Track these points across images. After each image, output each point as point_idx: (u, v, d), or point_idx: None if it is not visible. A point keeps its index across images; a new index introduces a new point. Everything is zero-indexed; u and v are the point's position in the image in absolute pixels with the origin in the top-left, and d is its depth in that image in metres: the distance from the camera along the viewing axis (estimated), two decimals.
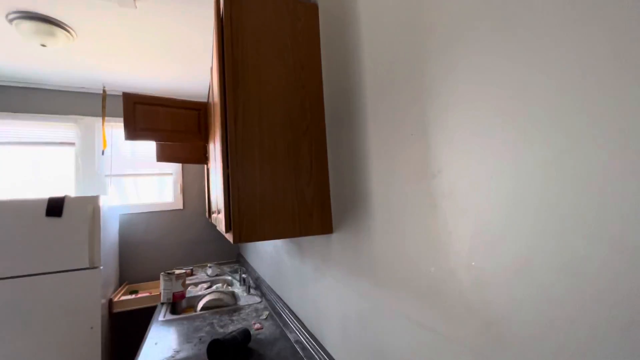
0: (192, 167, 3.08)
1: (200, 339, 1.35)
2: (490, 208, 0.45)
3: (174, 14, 1.71)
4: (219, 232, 3.10)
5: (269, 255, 1.83)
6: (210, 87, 1.34)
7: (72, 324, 1.95)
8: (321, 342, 1.06)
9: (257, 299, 1.82)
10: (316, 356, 1.05)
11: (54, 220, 1.95)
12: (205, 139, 1.70)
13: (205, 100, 3.07)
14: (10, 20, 1.68)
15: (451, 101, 0.51)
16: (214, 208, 1.46)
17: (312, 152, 0.94)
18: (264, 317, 1.54)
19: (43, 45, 1.82)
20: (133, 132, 1.51)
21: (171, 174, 3.01)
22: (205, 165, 2.59)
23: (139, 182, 2.93)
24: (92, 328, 1.99)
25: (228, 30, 0.88)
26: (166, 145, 2.15)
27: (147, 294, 2.40)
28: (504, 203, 0.43)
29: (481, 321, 0.47)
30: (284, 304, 1.49)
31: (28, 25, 1.69)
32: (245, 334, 1.23)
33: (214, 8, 0.96)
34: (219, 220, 1.06)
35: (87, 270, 2.00)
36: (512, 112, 0.41)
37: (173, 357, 1.20)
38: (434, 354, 0.56)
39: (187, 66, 2.37)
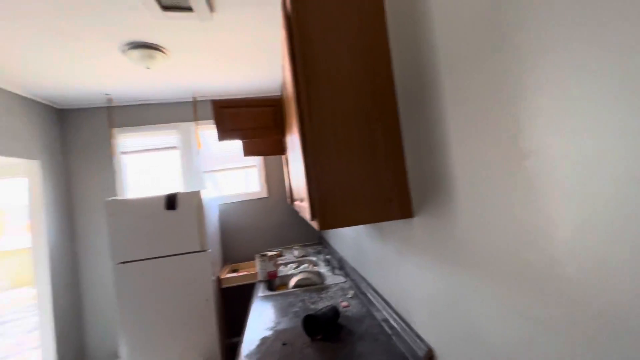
0: (273, 159, 3.33)
1: (294, 314, 1.51)
2: (599, 190, 0.40)
3: (248, 19, 1.84)
4: (300, 217, 3.32)
5: (350, 237, 1.90)
6: (284, 83, 1.43)
7: (191, 297, 2.37)
8: (408, 321, 1.08)
9: (342, 279, 1.93)
10: (404, 334, 1.08)
11: (171, 212, 2.36)
12: (281, 132, 1.82)
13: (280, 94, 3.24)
14: (123, 52, 2.03)
15: (545, 70, 0.46)
16: (296, 196, 1.58)
17: (387, 137, 0.94)
18: (350, 296, 1.63)
19: (147, 68, 2.16)
20: (223, 133, 1.71)
21: (255, 166, 3.31)
22: (284, 156, 2.77)
23: (230, 175, 3.31)
24: (207, 300, 2.39)
25: (295, 25, 0.92)
26: (250, 141, 2.37)
27: (246, 272, 2.75)
28: (615, 185, 0.38)
29: (590, 311, 0.43)
30: (368, 284, 1.54)
31: (135, 53, 2.02)
32: (335, 311, 1.33)
33: (281, 5, 1.01)
34: (303, 208, 1.15)
35: (198, 253, 2.39)
36: (626, 79, 0.36)
37: (274, 327, 1.38)
38: (533, 341, 0.54)
39: (266, 64, 2.54)
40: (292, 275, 2.23)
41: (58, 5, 1.54)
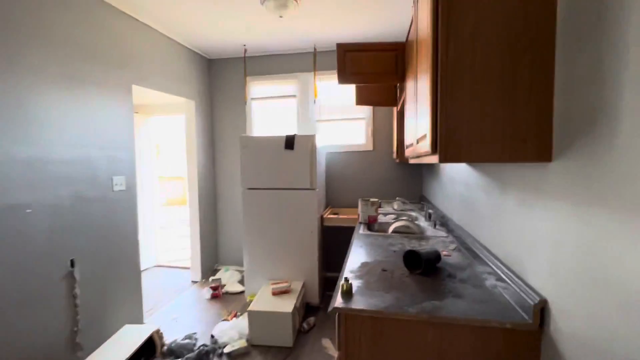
0: (381, 113, 3.31)
1: (394, 252, 1.60)
2: None
3: None
4: (403, 173, 3.30)
5: (458, 194, 1.83)
6: (413, 23, 1.38)
7: (300, 227, 2.72)
8: (518, 272, 1.04)
9: (444, 234, 1.90)
10: (512, 285, 1.04)
11: (289, 151, 2.68)
12: (401, 78, 1.79)
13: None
14: (262, 2, 2.26)
15: None
16: (409, 142, 1.58)
17: (534, 70, 0.85)
18: (452, 248, 1.61)
19: (280, 17, 2.36)
20: (344, 76, 1.80)
21: (363, 118, 3.37)
22: (395, 108, 2.73)
23: (339, 126, 3.47)
24: (312, 232, 2.71)
25: None
26: (364, 90, 2.41)
27: (346, 217, 2.97)
28: None
29: None
30: (474, 239, 1.50)
31: (272, 2, 2.22)
32: (436, 254, 1.35)
33: None
34: (420, 147, 1.16)
35: (308, 190, 2.69)
36: None
37: (374, 258, 1.50)
38: None
39: (388, 14, 2.46)
40: (390, 224, 2.31)
41: None
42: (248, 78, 3.47)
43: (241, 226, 3.57)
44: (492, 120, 0.88)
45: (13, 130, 1.67)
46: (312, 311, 2.72)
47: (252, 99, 3.54)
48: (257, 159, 2.74)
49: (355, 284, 1.18)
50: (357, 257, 1.53)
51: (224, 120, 3.61)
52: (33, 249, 1.75)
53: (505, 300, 1.04)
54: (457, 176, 1.87)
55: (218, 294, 3.03)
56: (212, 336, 2.32)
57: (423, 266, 1.27)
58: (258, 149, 2.73)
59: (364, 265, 1.41)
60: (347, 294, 1.10)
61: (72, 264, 1.97)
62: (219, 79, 3.57)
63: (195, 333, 2.39)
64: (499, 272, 1.16)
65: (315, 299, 2.77)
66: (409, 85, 1.56)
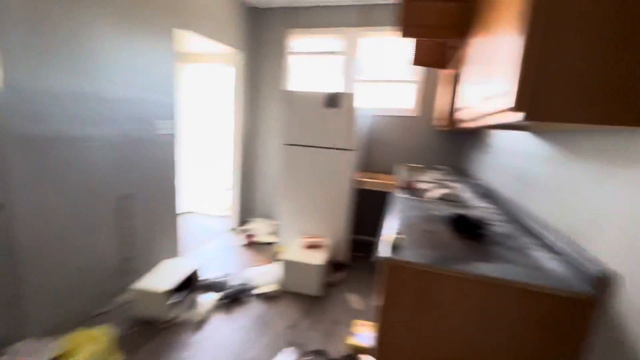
0: (430, 77, 3.11)
1: (436, 215, 1.57)
2: None
3: None
4: (443, 142, 3.16)
5: (510, 166, 1.73)
6: None
7: (335, 187, 2.73)
8: (582, 245, 0.99)
9: (489, 205, 1.84)
10: (575, 255, 0.99)
11: (330, 110, 2.62)
12: (465, 34, 1.64)
13: None
14: None
15: None
16: (464, 104, 1.47)
17: None
18: (499, 218, 1.56)
19: None
20: (408, 28, 1.66)
21: (414, 81, 3.18)
22: (444, 71, 2.53)
23: (385, 88, 3.32)
24: (346, 193, 2.72)
25: None
26: (421, 50, 2.25)
27: (382, 181, 2.94)
28: None
29: None
30: (526, 212, 1.43)
31: None
32: (483, 221, 1.31)
33: None
34: (489, 105, 1.07)
35: (347, 151, 2.66)
36: None
37: (417, 221, 1.48)
38: None
39: None
40: (431, 191, 2.26)
41: None
42: (290, 30, 3.35)
43: (272, 182, 3.68)
44: (596, 73, 0.78)
45: (74, 65, 1.74)
46: (339, 268, 2.81)
47: (293, 52, 3.43)
48: (297, 115, 2.71)
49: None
50: (397, 217, 1.52)
51: (266, 74, 3.56)
52: (92, 180, 1.89)
53: (560, 270, 1.01)
54: (511, 147, 1.76)
55: (252, 242, 3.20)
56: (244, 279, 2.48)
57: (472, 229, 1.24)
58: (299, 104, 2.69)
59: (406, 225, 1.40)
60: (397, 248, 1.10)
61: (126, 197, 2.12)
62: (261, 30, 3.47)
63: (229, 273, 2.56)
64: (558, 242, 1.11)
65: (343, 257, 2.85)
66: (476, 43, 1.42)
